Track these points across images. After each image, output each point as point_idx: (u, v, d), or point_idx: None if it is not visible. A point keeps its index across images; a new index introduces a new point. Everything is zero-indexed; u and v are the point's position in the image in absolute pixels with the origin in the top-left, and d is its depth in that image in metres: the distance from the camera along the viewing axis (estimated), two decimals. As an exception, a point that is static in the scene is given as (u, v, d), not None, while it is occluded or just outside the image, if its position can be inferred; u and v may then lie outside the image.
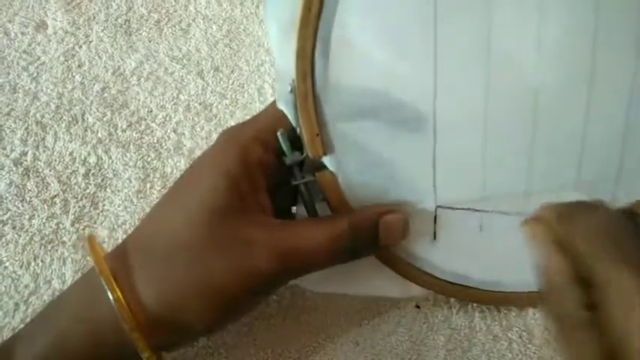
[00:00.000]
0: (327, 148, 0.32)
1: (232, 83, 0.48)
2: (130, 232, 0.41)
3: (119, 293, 0.28)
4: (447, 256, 0.34)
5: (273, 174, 0.32)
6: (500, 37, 0.30)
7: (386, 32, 0.30)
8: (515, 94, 0.31)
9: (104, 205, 0.42)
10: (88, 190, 0.42)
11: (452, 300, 0.36)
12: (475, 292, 0.35)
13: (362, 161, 0.32)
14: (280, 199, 0.33)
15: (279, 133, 0.32)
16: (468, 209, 0.33)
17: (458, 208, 0.33)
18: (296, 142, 0.32)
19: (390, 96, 0.31)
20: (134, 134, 0.45)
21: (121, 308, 0.28)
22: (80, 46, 0.50)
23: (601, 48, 0.30)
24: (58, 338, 0.29)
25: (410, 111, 0.31)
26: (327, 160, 0.32)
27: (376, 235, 0.31)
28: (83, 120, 0.46)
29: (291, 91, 0.31)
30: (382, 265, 0.34)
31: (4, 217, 0.41)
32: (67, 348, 0.29)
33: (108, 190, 0.43)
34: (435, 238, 0.34)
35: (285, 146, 0.32)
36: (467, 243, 0.34)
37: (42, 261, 0.39)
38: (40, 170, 0.43)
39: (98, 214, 0.41)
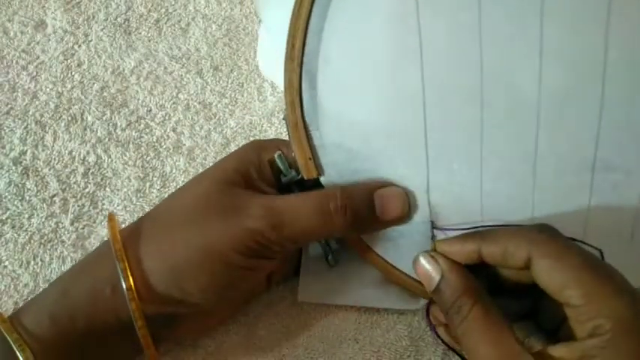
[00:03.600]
0: (320, 170, 0.33)
1: (232, 82, 0.48)
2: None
3: (120, 245, 0.30)
4: None
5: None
6: (493, 50, 0.30)
7: (370, 61, 0.31)
8: (513, 111, 0.31)
9: (103, 205, 0.42)
10: (87, 190, 0.42)
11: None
12: None
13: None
14: None
15: (276, 155, 0.33)
16: (467, 228, 0.32)
17: (456, 229, 0.32)
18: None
19: (378, 122, 0.32)
20: (133, 133, 0.45)
21: (119, 258, 0.30)
22: (79, 46, 0.50)
23: (614, 44, 0.29)
24: (63, 289, 0.31)
25: (400, 137, 0.32)
26: (323, 180, 0.33)
27: (373, 206, 0.32)
28: (82, 119, 0.46)
29: (284, 118, 0.33)
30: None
31: (4, 217, 0.41)
32: (69, 299, 0.30)
33: (107, 189, 0.43)
34: None
35: (282, 166, 0.33)
36: None
37: (41, 260, 0.39)
38: (40, 169, 0.43)
39: (97, 213, 0.41)
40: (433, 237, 0.33)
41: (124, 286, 0.30)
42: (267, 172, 0.33)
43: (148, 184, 0.43)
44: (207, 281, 0.31)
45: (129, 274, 0.30)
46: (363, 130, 0.32)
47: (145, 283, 0.30)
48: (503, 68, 0.30)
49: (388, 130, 0.32)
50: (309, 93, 0.31)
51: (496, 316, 0.28)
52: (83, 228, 0.41)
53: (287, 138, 0.45)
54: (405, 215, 0.33)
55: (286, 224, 0.31)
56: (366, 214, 0.32)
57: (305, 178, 0.33)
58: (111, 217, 0.33)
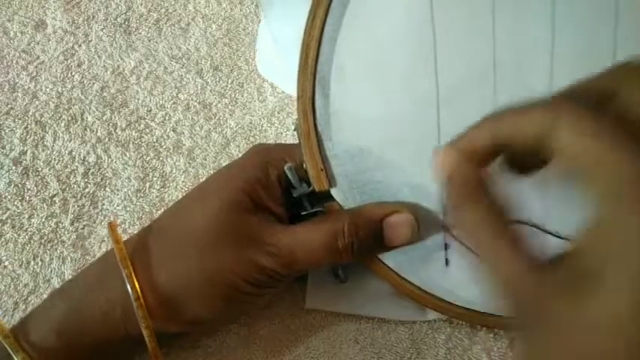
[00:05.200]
0: (332, 182, 0.32)
1: (232, 82, 0.48)
2: (129, 231, 0.41)
3: (131, 269, 0.30)
4: (461, 281, 0.34)
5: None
6: (506, 52, 0.30)
7: (384, 70, 0.31)
8: None
9: (103, 205, 0.42)
10: (87, 190, 0.42)
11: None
12: (492, 318, 0.34)
13: (366, 194, 0.33)
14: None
15: (286, 167, 0.33)
16: None
17: None
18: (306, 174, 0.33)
19: (391, 131, 0.32)
20: (133, 133, 0.45)
21: (130, 283, 0.30)
22: (79, 46, 0.50)
23: (621, 45, 0.29)
24: (71, 307, 0.31)
25: (413, 146, 0.32)
26: (334, 192, 0.33)
27: (380, 235, 0.32)
28: (82, 119, 0.46)
29: (295, 129, 0.32)
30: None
31: (4, 217, 0.41)
32: (78, 318, 0.31)
33: (107, 189, 0.42)
34: (447, 264, 0.34)
35: (293, 179, 0.33)
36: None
37: (41, 260, 0.39)
38: (40, 169, 0.43)
39: (97, 213, 0.41)
40: (447, 245, 0.32)
41: (136, 310, 0.30)
42: (275, 190, 0.33)
43: (147, 184, 0.43)
44: (217, 305, 0.32)
45: (142, 302, 0.30)
46: (375, 138, 0.32)
47: (158, 306, 0.31)
48: (516, 70, 0.30)
49: (401, 139, 0.32)
50: (322, 102, 0.31)
51: (501, 222, 0.24)
52: (83, 228, 0.41)
53: (288, 139, 0.45)
54: (413, 240, 0.33)
55: (297, 262, 0.32)
56: (373, 243, 0.32)
57: (316, 190, 0.33)
58: (114, 233, 0.32)
